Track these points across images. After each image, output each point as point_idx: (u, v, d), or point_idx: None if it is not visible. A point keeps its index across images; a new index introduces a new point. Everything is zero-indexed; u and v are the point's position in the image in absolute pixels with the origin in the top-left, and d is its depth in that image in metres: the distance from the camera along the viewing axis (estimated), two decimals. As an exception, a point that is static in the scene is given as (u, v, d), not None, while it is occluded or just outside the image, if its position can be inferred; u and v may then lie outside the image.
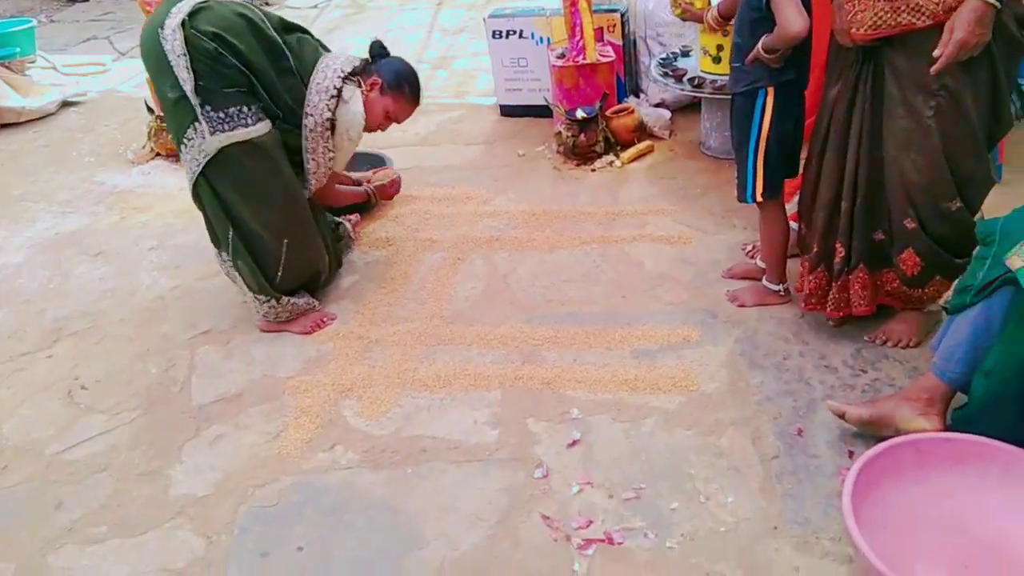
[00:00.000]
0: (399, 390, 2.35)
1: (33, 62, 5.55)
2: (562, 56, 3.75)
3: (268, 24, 2.43)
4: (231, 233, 2.49)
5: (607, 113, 3.71)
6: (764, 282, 2.54)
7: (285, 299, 2.61)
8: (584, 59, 3.66)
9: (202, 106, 2.32)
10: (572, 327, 2.55)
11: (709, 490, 1.91)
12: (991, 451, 1.71)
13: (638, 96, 4.16)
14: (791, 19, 2.06)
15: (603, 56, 3.71)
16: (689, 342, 2.43)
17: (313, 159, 2.56)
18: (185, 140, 2.38)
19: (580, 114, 3.58)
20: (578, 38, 3.65)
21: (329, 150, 2.56)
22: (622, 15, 3.94)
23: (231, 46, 2.31)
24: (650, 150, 3.72)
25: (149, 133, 4.16)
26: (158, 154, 4.18)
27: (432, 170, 3.79)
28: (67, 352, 2.71)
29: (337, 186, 3.01)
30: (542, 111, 4.18)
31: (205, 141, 2.35)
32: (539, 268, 2.91)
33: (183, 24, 2.28)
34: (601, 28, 3.90)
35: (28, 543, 1.97)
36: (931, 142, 1.98)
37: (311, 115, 2.47)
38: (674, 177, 3.49)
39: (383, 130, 2.81)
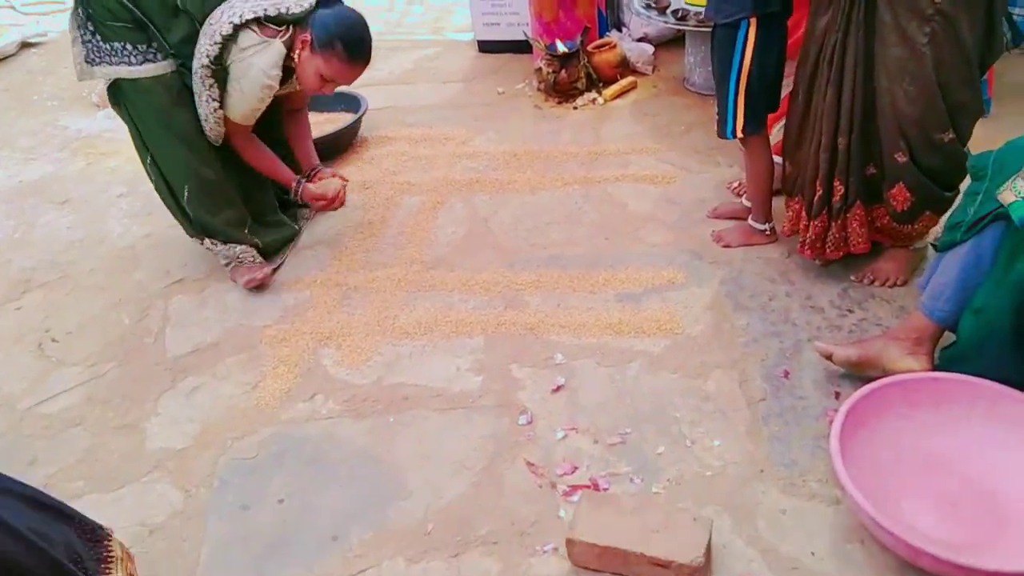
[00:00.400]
0: (379, 338, 2.30)
1: (-11, 0, 5.30)
2: (542, -12, 3.61)
3: None
4: (147, 159, 2.48)
5: (588, 48, 3.60)
6: (750, 221, 2.49)
7: (208, 241, 2.53)
8: (564, -9, 3.53)
9: (92, 34, 2.25)
10: (555, 271, 2.50)
11: (695, 434, 1.89)
12: (978, 389, 1.70)
13: (620, 31, 4.03)
14: None
15: (583, -12, 3.57)
16: (674, 284, 2.38)
17: (199, 106, 2.36)
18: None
19: (561, 48, 3.46)
20: (559, -31, 3.51)
21: (213, 99, 2.31)
22: (604, -55, 3.79)
23: None
24: (633, 86, 3.63)
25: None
26: (124, 96, 4.01)
27: (409, 110, 3.68)
28: (36, 303, 2.63)
29: (260, 152, 2.57)
30: (522, 47, 4.04)
31: (87, 69, 2.30)
32: (521, 211, 2.84)
33: None
34: (582, -41, 3.75)
35: (2, 500, 1.93)
36: (924, 71, 1.91)
37: (196, 57, 2.26)
38: (658, 114, 3.40)
39: (327, 92, 2.50)
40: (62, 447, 2.07)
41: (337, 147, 3.27)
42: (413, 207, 2.93)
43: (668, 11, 3.38)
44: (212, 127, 2.38)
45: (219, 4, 2.24)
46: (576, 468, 1.83)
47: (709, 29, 3.14)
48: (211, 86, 2.28)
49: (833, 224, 2.17)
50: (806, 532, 1.64)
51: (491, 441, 1.93)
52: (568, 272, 2.49)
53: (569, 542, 1.59)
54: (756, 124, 2.29)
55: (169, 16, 2.26)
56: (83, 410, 2.17)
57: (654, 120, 3.36)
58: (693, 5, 3.33)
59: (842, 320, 2.18)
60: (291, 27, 2.30)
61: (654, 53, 3.80)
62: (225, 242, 2.53)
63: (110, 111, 3.93)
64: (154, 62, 2.29)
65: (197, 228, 2.52)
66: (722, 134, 2.35)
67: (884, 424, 1.72)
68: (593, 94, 3.56)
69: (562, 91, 3.55)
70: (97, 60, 2.29)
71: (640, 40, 3.89)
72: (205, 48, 2.21)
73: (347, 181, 2.76)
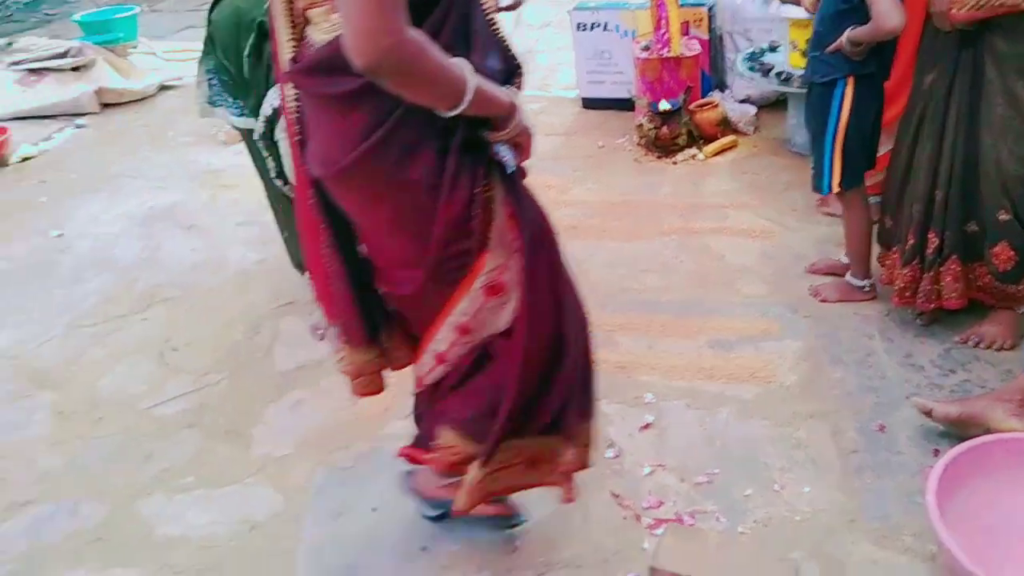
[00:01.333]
0: (474, 367, 2.38)
1: (135, 47, 5.80)
2: (647, 49, 3.73)
3: (257, 20, 2.23)
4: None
5: (691, 107, 3.67)
6: (848, 278, 2.48)
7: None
8: (669, 52, 3.63)
9: (209, 74, 2.43)
10: (647, 315, 2.54)
11: (784, 480, 1.88)
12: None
13: (723, 91, 4.10)
14: (889, 14, 2.00)
15: (688, 50, 3.67)
16: (768, 335, 2.39)
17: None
18: None
19: (664, 106, 3.55)
20: (663, 31, 3.62)
21: (271, 171, 2.42)
22: (709, 9, 3.89)
23: (214, 40, 2.35)
24: (733, 145, 3.67)
25: (241, 115, 4.31)
26: (249, 136, 4.33)
27: (512, 159, 3.82)
28: (159, 317, 2.84)
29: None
30: (624, 104, 4.15)
31: (208, 109, 2.49)
32: (616, 257, 2.90)
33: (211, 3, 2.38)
34: (687, 22, 3.86)
35: (120, 489, 2.08)
36: None
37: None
38: (757, 172, 3.43)
39: None
40: (175, 447, 2.21)
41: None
42: (512, 248, 3.03)
43: (772, 73, 3.43)
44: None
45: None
46: (662, 503, 1.85)
47: (799, 91, 3.21)
48: (267, 157, 2.35)
49: (925, 276, 2.15)
50: (898, 586, 1.60)
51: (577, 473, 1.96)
52: (660, 317, 2.52)
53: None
54: (853, 179, 2.32)
55: (244, 82, 2.35)
56: (196, 415, 2.33)
57: (753, 178, 3.39)
58: (797, 68, 3.37)
59: (943, 380, 2.13)
60: None
61: (756, 114, 3.85)
62: None
63: (235, 147, 4.28)
64: (248, 117, 2.42)
65: (296, 262, 2.68)
66: (817, 188, 2.39)
67: (984, 483, 1.67)
68: (693, 150, 3.62)
69: (662, 146, 3.63)
70: (218, 102, 2.49)
71: (743, 101, 3.94)
72: (258, 122, 2.30)
73: None
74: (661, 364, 2.30)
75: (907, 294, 2.21)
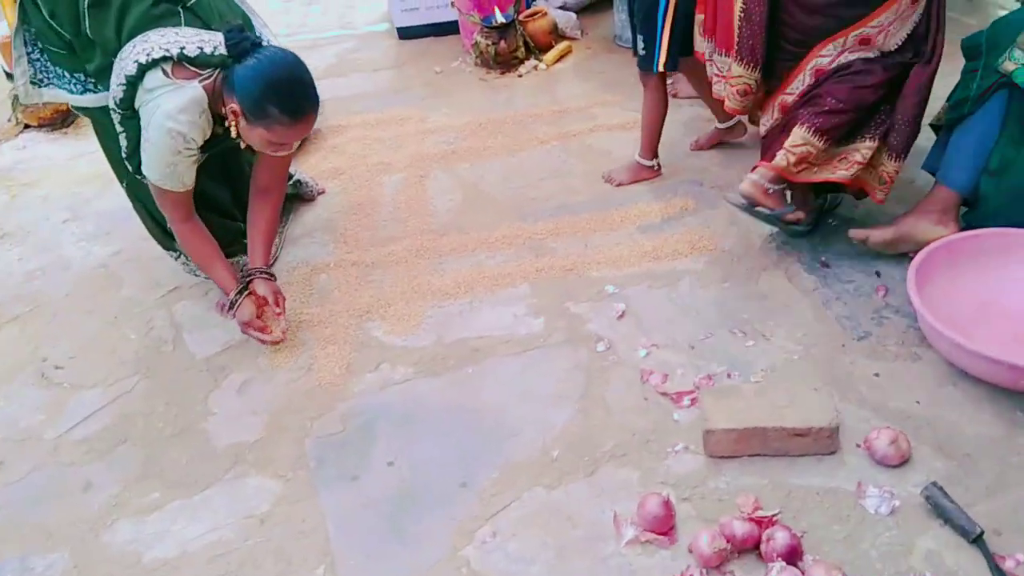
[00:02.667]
0: (421, 303, 2.26)
1: None
2: (466, -35, 3.65)
3: None
4: (122, 181, 2.28)
5: (521, 18, 3.66)
6: (638, 159, 2.65)
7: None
8: (490, -36, 3.58)
9: (42, 52, 2.06)
10: (569, 217, 2.55)
11: (767, 328, 1.99)
12: (1014, 237, 1.90)
13: (531, 2, 4.13)
14: None
15: (507, -40, 3.64)
16: (688, 210, 2.49)
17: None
18: None
19: (500, 19, 3.51)
20: (481, -57, 3.56)
21: (122, 149, 2.03)
22: (517, -82, 3.87)
23: None
24: (569, 50, 3.73)
25: (13, 103, 3.67)
26: (27, 125, 3.71)
27: (351, 99, 3.61)
28: (15, 338, 2.39)
29: (194, 234, 2.09)
30: (444, 29, 4.07)
31: (33, 91, 2.10)
32: (508, 171, 2.87)
33: None
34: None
35: (71, 528, 1.76)
36: None
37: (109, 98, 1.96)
38: (603, 71, 3.52)
39: (285, 152, 2.01)
40: (115, 466, 1.91)
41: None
42: (397, 184, 2.89)
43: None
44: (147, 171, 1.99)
45: (136, 35, 1.87)
46: (668, 376, 1.89)
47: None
48: (120, 133, 1.96)
49: None
50: (904, 387, 1.77)
51: (579, 371, 1.95)
52: (582, 216, 2.54)
53: (707, 432, 1.65)
54: (672, 62, 2.43)
55: (85, 44, 1.97)
56: (123, 427, 2.01)
57: (602, 77, 3.47)
58: (621, -37, 3.47)
59: (851, 213, 2.35)
60: (217, 70, 1.86)
61: (578, 18, 3.92)
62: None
63: (15, 142, 3.67)
64: (95, 92, 2.06)
65: (165, 242, 2.37)
66: (647, 68, 2.47)
67: (938, 282, 1.87)
68: (534, 61, 3.64)
69: (503, 61, 3.60)
70: (45, 81, 2.09)
71: (561, 8, 4.00)
72: (112, 88, 1.87)
73: (283, 313, 2.16)
74: (604, 258, 2.33)
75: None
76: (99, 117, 2.12)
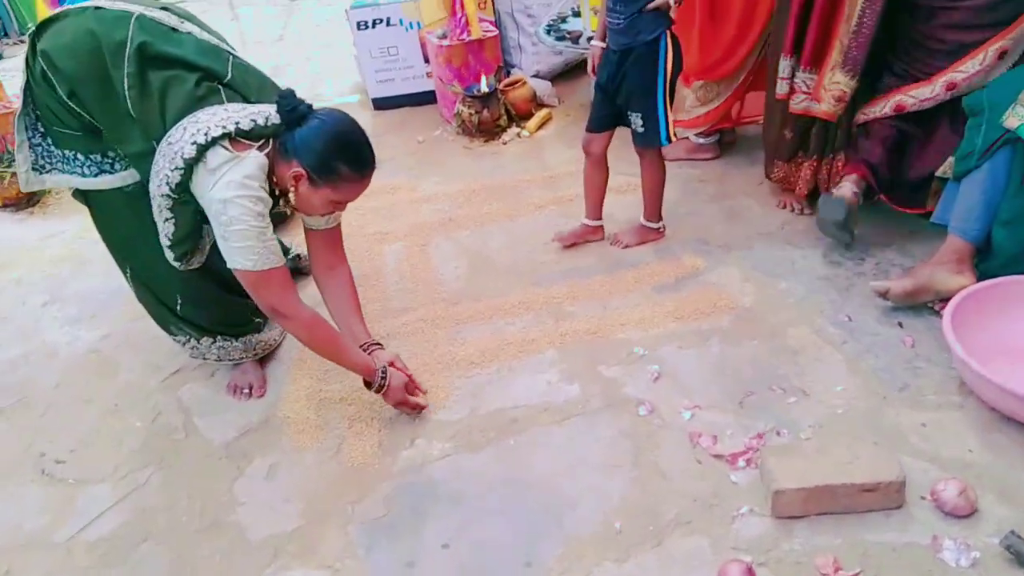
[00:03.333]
0: (447, 374, 2.20)
1: None
2: (444, 37, 3.70)
3: (130, 49, 1.79)
4: (127, 272, 2.16)
5: (501, 87, 3.72)
6: (644, 222, 2.69)
7: (206, 338, 2.22)
8: (469, 36, 3.64)
9: (43, 136, 1.94)
10: (582, 280, 2.54)
11: (805, 383, 2.00)
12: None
13: (509, 71, 4.20)
14: None
15: (486, 32, 3.71)
16: (699, 270, 2.52)
17: (160, 236, 1.93)
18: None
19: (484, 88, 3.56)
20: (460, 15, 3.62)
21: (168, 236, 1.91)
22: (491, -9, 3.97)
23: (58, 70, 1.81)
24: (549, 118, 3.79)
25: (-25, 183, 3.52)
26: (-10, 206, 3.55)
27: (334, 170, 3.57)
28: (5, 432, 2.23)
29: (320, 329, 1.96)
30: (420, 98, 4.10)
31: (35, 178, 1.98)
32: (510, 238, 2.86)
33: (31, 34, 1.88)
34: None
35: (102, 639, 1.62)
36: None
37: (153, 182, 1.84)
38: (586, 137, 3.57)
39: (340, 211, 2.04)
40: (140, 568, 1.78)
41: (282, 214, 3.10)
42: (399, 253, 2.85)
43: (583, 39, 3.59)
44: (192, 264, 2.00)
45: (182, 117, 1.79)
46: (717, 437, 1.87)
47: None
48: (167, 220, 1.85)
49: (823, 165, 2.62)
50: (953, 435, 1.79)
51: (625, 437, 1.92)
52: (594, 279, 2.54)
53: (777, 493, 1.62)
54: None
55: (122, 125, 1.85)
56: (142, 524, 1.88)
57: (586, 142, 3.52)
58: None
59: (862, 267, 2.41)
60: (270, 141, 1.82)
61: (552, 86, 4.00)
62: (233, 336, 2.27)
63: (-21, 223, 3.49)
64: (112, 173, 1.96)
65: (194, 330, 2.23)
66: (656, 142, 2.47)
67: (975, 327, 1.92)
68: (516, 129, 3.68)
69: (486, 130, 3.63)
70: (47, 167, 1.97)
71: (535, 76, 4.07)
72: (164, 173, 1.77)
73: (410, 375, 2.10)
74: (626, 320, 2.32)
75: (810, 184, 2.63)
76: (111, 199, 2.01)
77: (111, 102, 1.82)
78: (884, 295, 2.16)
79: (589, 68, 2.58)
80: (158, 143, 1.80)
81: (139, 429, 2.18)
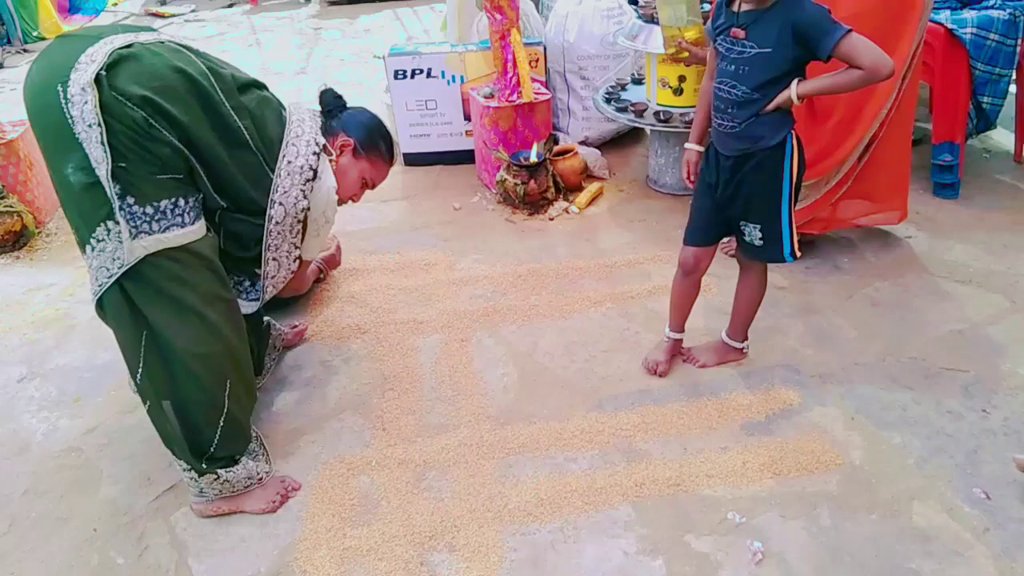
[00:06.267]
0: (498, 526, 1.82)
1: None
2: (491, 96, 3.36)
3: (215, 80, 1.73)
4: (147, 371, 1.74)
5: (550, 156, 3.37)
6: (726, 339, 2.35)
7: (229, 471, 1.88)
8: (520, 98, 3.30)
9: (122, 197, 1.60)
10: (654, 407, 2.18)
11: (946, 585, 1.64)
12: None
13: (557, 137, 3.87)
14: (882, 60, 1.81)
15: (539, 94, 3.37)
16: (794, 406, 2.16)
17: (275, 259, 1.95)
18: (93, 241, 1.64)
19: (532, 158, 3.21)
20: (511, 75, 3.28)
21: (296, 247, 1.98)
22: (544, 48, 3.64)
23: (166, 115, 1.62)
24: (600, 192, 3.44)
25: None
26: (-28, 247, 3.17)
27: (361, 234, 3.21)
28: (-44, 556, 1.83)
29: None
30: (456, 157, 3.77)
31: (122, 247, 1.62)
32: (564, 339, 2.49)
33: (98, 81, 1.55)
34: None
35: None
36: None
37: (281, 204, 1.86)
38: (643, 219, 3.23)
39: (355, 200, 2.32)
40: None
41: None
42: (434, 350, 2.47)
43: (647, 114, 3.25)
44: (278, 284, 2.03)
45: (281, 135, 1.88)
46: (846, 659, 1.50)
47: (672, 129, 3.08)
48: (296, 233, 1.95)
49: None
50: None
51: (727, 644, 1.54)
52: (669, 407, 2.18)
53: None
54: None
55: (237, 157, 1.78)
56: None
57: (643, 226, 3.18)
58: (671, 107, 3.24)
59: (988, 423, 2.06)
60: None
61: (602, 155, 3.67)
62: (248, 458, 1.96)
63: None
64: (200, 219, 1.76)
65: (216, 462, 1.87)
66: (777, 258, 2.10)
67: None
68: (564, 203, 3.33)
69: (532, 202, 3.29)
70: (135, 231, 1.63)
71: (582, 143, 3.74)
72: (298, 189, 1.87)
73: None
74: (713, 469, 1.95)
75: None
76: (201, 249, 1.74)
77: (227, 134, 1.75)
78: (1029, 471, 1.81)
79: (684, 174, 2.22)
80: (268, 166, 1.84)
81: (120, 569, 1.79)
